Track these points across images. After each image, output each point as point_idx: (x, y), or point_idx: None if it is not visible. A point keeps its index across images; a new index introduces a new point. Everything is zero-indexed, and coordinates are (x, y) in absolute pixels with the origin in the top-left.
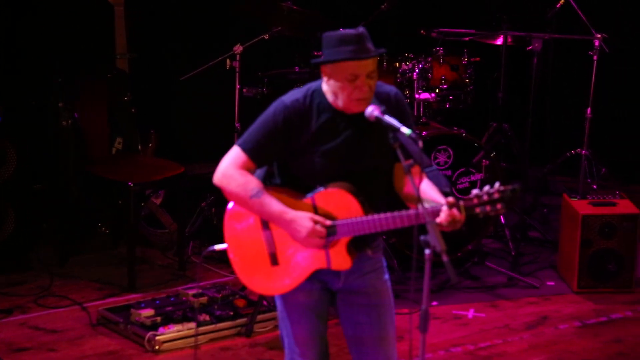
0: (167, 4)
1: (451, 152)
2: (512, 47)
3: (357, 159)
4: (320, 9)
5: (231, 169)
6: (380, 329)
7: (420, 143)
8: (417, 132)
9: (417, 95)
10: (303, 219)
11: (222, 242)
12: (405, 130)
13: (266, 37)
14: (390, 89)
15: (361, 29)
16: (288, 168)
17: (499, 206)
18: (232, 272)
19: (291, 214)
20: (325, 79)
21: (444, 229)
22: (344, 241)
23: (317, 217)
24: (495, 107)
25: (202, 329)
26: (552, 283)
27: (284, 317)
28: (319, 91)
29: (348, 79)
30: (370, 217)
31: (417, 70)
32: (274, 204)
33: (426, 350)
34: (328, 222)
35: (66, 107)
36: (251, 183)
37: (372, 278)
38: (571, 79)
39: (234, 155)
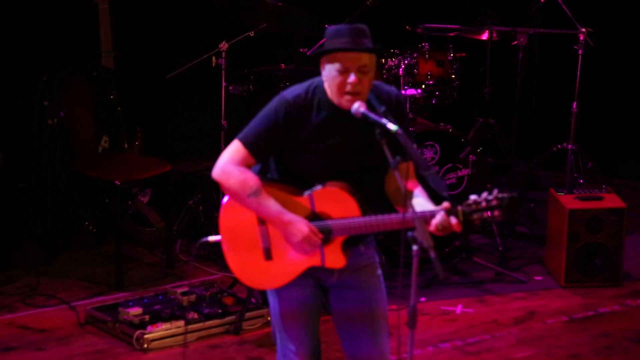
0: (152, 2)
1: (438, 148)
2: (498, 42)
3: (356, 156)
4: (305, 5)
5: (230, 164)
6: (373, 325)
7: (414, 145)
8: (414, 134)
9: (403, 92)
10: (300, 223)
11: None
12: (392, 126)
13: (252, 34)
14: (391, 89)
15: (362, 26)
16: (285, 164)
17: (496, 213)
18: (221, 270)
19: (288, 216)
20: (322, 71)
21: (438, 233)
22: (339, 240)
23: (313, 227)
24: (482, 102)
25: (191, 327)
26: (540, 278)
27: (277, 313)
28: (320, 88)
29: (339, 71)
30: (367, 217)
31: (403, 66)
32: (271, 205)
33: (415, 346)
34: (321, 236)
35: (52, 105)
36: (250, 181)
37: (365, 273)
38: (557, 73)
39: (234, 149)
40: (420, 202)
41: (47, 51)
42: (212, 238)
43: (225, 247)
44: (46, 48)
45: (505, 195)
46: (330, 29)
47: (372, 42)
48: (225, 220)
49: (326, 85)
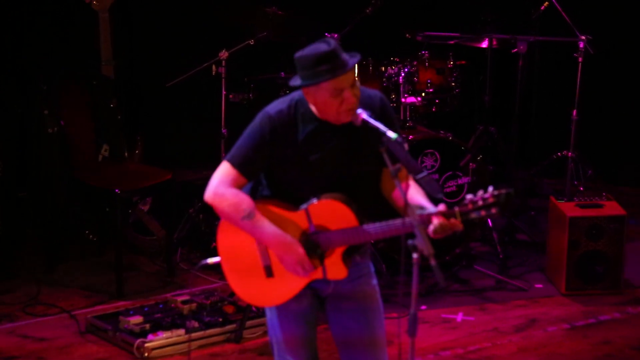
0: (152, 11)
1: (438, 156)
2: (498, 49)
3: (345, 167)
4: (305, 14)
5: (222, 187)
6: (369, 334)
7: (406, 146)
8: (403, 136)
9: (403, 99)
10: (295, 246)
11: (210, 248)
12: (392, 134)
13: (252, 42)
14: (374, 93)
15: (333, 43)
16: (276, 179)
17: (493, 210)
18: (222, 279)
19: (283, 238)
20: (309, 98)
21: (437, 235)
22: (339, 251)
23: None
24: (482, 110)
25: (192, 335)
26: (541, 285)
27: (274, 324)
28: (302, 101)
29: (333, 95)
30: (365, 226)
31: (402, 74)
32: (266, 227)
33: (415, 354)
34: (314, 266)
35: (52, 114)
36: (243, 204)
37: (361, 283)
38: (557, 80)
39: (224, 171)
40: (417, 203)
41: (47, 60)
42: (211, 260)
43: (225, 268)
44: (46, 57)
45: (502, 192)
46: (304, 57)
47: (346, 53)
48: (223, 240)
49: (314, 105)
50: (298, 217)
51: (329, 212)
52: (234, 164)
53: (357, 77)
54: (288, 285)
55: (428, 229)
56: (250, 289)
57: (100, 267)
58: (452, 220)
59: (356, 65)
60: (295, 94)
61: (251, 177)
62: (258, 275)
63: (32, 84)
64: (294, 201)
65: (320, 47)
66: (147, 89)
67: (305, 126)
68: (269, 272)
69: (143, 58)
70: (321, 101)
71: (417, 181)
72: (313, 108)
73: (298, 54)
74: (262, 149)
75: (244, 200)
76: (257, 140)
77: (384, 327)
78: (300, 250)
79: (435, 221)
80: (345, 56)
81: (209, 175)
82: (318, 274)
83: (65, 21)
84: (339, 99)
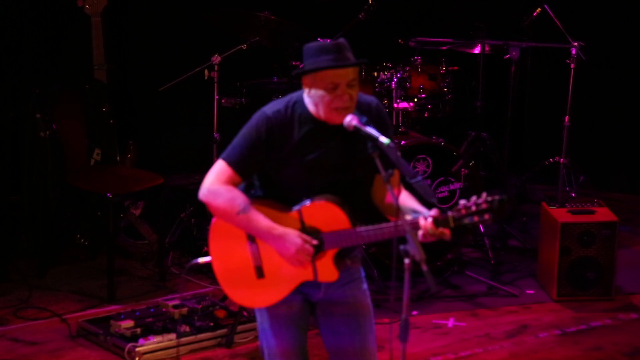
0: (144, 15)
1: (430, 161)
2: (490, 55)
3: (340, 169)
4: (297, 19)
5: (216, 184)
6: (360, 339)
7: (398, 153)
8: (396, 142)
9: (395, 105)
10: (292, 236)
11: (201, 252)
12: (384, 139)
13: (244, 47)
14: (371, 99)
15: (341, 39)
16: (270, 180)
17: (486, 216)
18: (213, 283)
19: (280, 229)
20: (306, 90)
21: (427, 239)
22: (330, 253)
23: (305, 236)
24: (474, 115)
25: (183, 340)
26: (532, 291)
27: (264, 329)
28: (300, 102)
29: (328, 88)
30: (358, 229)
31: (395, 80)
32: (261, 220)
33: (406, 359)
34: (315, 242)
35: (44, 118)
36: (238, 199)
37: (352, 288)
38: (549, 87)
39: (219, 169)
40: (410, 207)
41: (40, 64)
42: (202, 259)
43: (216, 269)
44: (39, 61)
45: (495, 198)
46: (310, 46)
47: (353, 55)
48: (214, 240)
49: (309, 101)
50: (291, 218)
51: (322, 213)
52: (229, 162)
53: (357, 80)
54: (278, 285)
55: (418, 233)
56: (241, 290)
57: (92, 271)
58: (441, 229)
59: (357, 70)
60: (294, 95)
61: (246, 176)
62: (249, 276)
63: (25, 88)
64: (287, 202)
65: (328, 41)
66: (140, 94)
67: (302, 127)
68: (259, 273)
69: (136, 63)
70: (317, 93)
71: (411, 186)
72: (310, 108)
73: (307, 44)
74: (258, 149)
75: (239, 196)
76: (253, 139)
77: (375, 333)
78: (299, 239)
79: (428, 224)
80: (350, 54)
81: (200, 179)
82: (309, 276)
83: (58, 26)
84: (334, 94)
